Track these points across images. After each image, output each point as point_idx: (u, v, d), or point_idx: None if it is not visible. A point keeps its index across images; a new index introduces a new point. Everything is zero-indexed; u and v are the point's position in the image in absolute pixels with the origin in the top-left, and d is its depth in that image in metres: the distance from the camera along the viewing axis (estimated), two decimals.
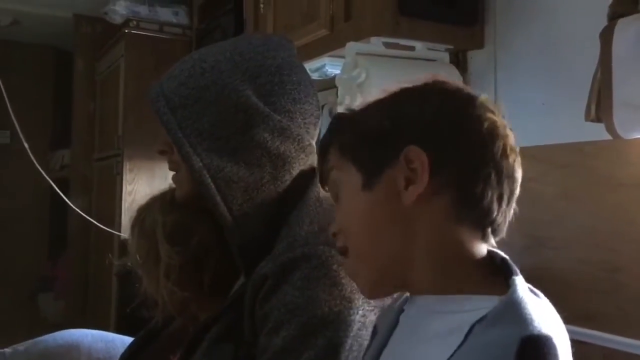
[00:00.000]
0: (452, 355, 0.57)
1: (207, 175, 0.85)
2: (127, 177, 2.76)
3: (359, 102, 1.61)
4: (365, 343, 0.77)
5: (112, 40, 2.98)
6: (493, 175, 0.63)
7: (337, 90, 1.66)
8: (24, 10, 3.33)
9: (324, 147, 0.73)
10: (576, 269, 1.30)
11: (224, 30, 2.55)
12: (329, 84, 2.01)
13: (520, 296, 0.58)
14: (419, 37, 1.63)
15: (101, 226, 2.71)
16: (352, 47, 1.57)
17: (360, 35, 1.61)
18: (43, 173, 2.73)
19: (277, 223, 0.87)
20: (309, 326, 0.78)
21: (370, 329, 0.78)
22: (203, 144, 0.86)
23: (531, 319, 0.56)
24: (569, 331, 0.61)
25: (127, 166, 2.77)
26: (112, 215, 2.89)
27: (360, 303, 0.79)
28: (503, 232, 0.66)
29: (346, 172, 0.69)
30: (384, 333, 0.71)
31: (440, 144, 0.63)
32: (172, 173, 0.96)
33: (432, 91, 0.67)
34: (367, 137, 0.68)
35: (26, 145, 2.59)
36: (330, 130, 0.73)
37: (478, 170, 0.63)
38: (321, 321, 0.78)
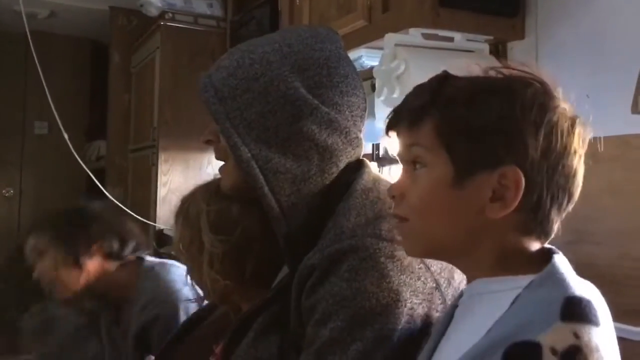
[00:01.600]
0: (496, 323, 0.61)
1: (255, 166, 0.85)
2: (162, 168, 2.80)
3: (397, 94, 1.61)
4: (414, 336, 0.77)
5: (147, 32, 3.01)
6: (565, 200, 0.66)
7: (374, 81, 1.65)
8: (61, 3, 3.39)
9: (417, 112, 0.68)
10: (618, 264, 1.27)
11: (258, 22, 2.55)
12: (365, 75, 2.01)
13: (562, 266, 0.63)
14: (458, 28, 1.61)
15: (137, 216, 2.75)
16: (391, 38, 1.56)
17: (398, 27, 1.60)
18: (81, 163, 2.78)
19: (324, 215, 0.87)
20: (357, 318, 0.77)
21: (418, 322, 0.78)
22: (251, 134, 0.86)
23: (574, 284, 0.61)
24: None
25: (162, 157, 2.80)
26: (147, 205, 2.93)
27: (408, 296, 0.79)
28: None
29: (435, 157, 0.66)
30: (439, 329, 0.72)
31: (538, 167, 0.63)
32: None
33: (544, 103, 0.64)
34: (472, 133, 0.64)
35: (65, 135, 2.64)
36: (433, 94, 0.67)
37: (557, 194, 0.65)
38: (369, 313, 0.78)
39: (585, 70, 1.44)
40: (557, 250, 0.68)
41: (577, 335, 0.56)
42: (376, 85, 1.63)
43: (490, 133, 0.63)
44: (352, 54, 1.89)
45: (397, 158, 0.72)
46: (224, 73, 0.89)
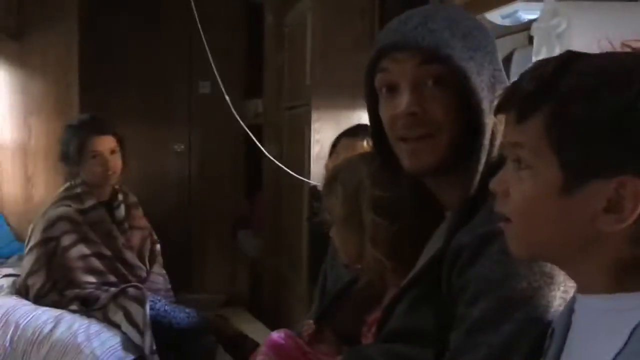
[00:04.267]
0: (616, 356, 0.56)
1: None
2: (314, 126, 2.90)
3: (557, 53, 1.52)
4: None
5: None
6: None
7: (530, 32, 1.57)
8: None
9: (527, 103, 0.61)
10: None
11: None
12: (521, 28, 1.91)
13: None
14: None
15: (291, 172, 2.90)
16: None
17: None
18: (241, 122, 2.97)
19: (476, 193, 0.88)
20: (508, 300, 0.78)
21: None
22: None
23: None
24: None
25: (314, 116, 2.89)
26: (302, 161, 3.06)
27: (562, 279, 0.78)
28: None
29: (542, 160, 0.60)
30: (560, 334, 0.70)
31: None
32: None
33: None
34: (590, 129, 0.57)
35: (227, 97, 2.83)
36: (548, 82, 0.60)
37: None
38: (520, 295, 0.78)
39: None
40: None
41: None
42: (534, 44, 1.55)
43: (609, 135, 0.56)
44: (508, 8, 1.80)
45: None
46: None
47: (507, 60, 2.22)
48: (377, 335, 1.01)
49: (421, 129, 0.91)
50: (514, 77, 2.37)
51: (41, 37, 3.26)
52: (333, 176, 1.12)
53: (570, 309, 0.70)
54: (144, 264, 2.34)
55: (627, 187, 0.56)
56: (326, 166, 1.20)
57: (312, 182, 2.79)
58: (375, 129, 1.00)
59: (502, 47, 2.30)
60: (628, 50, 0.62)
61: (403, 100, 0.90)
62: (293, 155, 3.29)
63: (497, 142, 0.90)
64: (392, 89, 0.93)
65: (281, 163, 3.26)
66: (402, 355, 0.93)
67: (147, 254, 2.39)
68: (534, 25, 1.52)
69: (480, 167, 0.88)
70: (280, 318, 3.46)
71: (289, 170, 2.92)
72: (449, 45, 0.88)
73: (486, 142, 0.89)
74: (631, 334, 0.56)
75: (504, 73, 0.95)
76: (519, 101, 0.62)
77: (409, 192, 1.02)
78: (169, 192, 4.15)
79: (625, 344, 0.56)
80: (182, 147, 4.18)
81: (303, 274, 3.02)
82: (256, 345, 2.23)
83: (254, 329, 3.14)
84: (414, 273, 0.97)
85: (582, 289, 0.66)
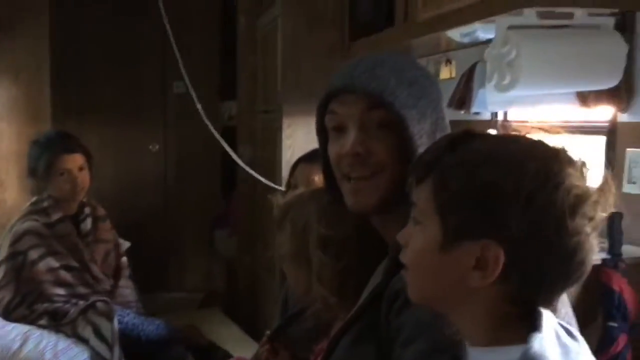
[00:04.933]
0: None
1: None
2: (286, 132, 2.92)
3: (507, 81, 1.56)
4: None
5: None
6: (563, 275, 0.67)
7: (486, 64, 1.61)
8: None
9: (423, 169, 0.72)
10: None
11: None
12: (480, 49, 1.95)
13: (535, 351, 0.64)
14: (578, 2, 1.51)
15: (261, 179, 2.92)
16: (502, 21, 1.51)
17: (513, 4, 1.53)
18: (208, 124, 2.97)
19: None
20: (438, 343, 0.82)
21: None
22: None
23: None
24: None
25: (286, 122, 2.91)
26: (274, 164, 3.08)
27: None
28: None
29: (429, 219, 0.70)
30: None
31: (522, 246, 0.65)
32: None
33: (541, 186, 0.64)
34: (463, 204, 0.67)
35: (198, 105, 2.85)
36: (439, 156, 0.71)
37: (549, 270, 0.66)
38: (450, 339, 0.82)
39: None
40: (540, 319, 0.67)
41: None
42: (487, 70, 1.59)
43: (477, 204, 0.66)
44: (467, 28, 1.84)
45: None
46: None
47: (470, 71, 2.27)
48: None
49: (365, 168, 0.96)
50: (477, 86, 2.41)
51: (11, 40, 3.23)
52: (283, 213, 1.15)
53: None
54: (108, 277, 2.36)
55: (490, 250, 0.65)
56: (279, 196, 1.23)
57: (283, 188, 2.82)
58: (327, 165, 1.04)
59: (466, 58, 2.34)
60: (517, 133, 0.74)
61: (349, 141, 0.95)
62: (266, 158, 3.31)
63: None
64: (340, 129, 0.98)
65: (256, 165, 3.27)
66: None
67: (111, 268, 2.40)
68: (487, 51, 1.56)
69: None
70: (256, 318, 3.51)
71: (259, 177, 2.94)
72: (393, 93, 0.93)
73: None
74: None
75: (446, 121, 1.00)
76: (418, 169, 0.74)
77: (355, 230, 1.06)
78: (145, 192, 4.17)
79: None
80: (157, 147, 4.18)
81: (277, 275, 3.05)
82: (227, 354, 2.28)
83: (228, 332, 3.18)
84: (356, 308, 1.01)
85: (467, 340, 0.74)
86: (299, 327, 1.25)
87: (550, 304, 0.70)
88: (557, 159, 0.67)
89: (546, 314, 0.69)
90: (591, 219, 0.66)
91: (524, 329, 0.67)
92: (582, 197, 0.65)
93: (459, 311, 0.72)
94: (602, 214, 0.67)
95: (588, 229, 0.66)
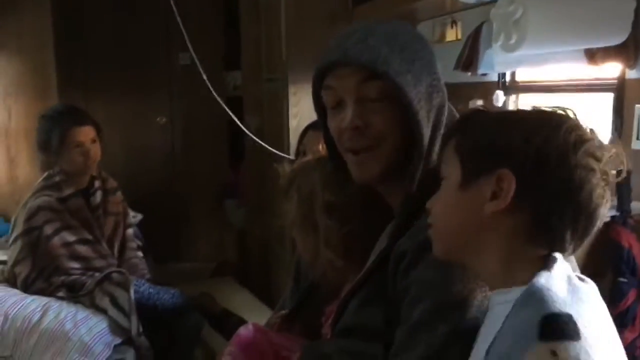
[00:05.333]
0: (492, 340, 0.71)
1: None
2: (292, 100, 2.91)
3: (514, 40, 1.54)
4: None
5: None
6: (570, 212, 0.73)
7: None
8: None
9: (445, 139, 0.86)
10: None
11: None
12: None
13: (541, 284, 0.70)
14: None
15: (269, 148, 2.93)
16: None
17: None
18: (215, 94, 2.95)
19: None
20: (444, 302, 0.85)
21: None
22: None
23: (552, 300, 0.67)
24: None
25: (291, 90, 2.91)
26: (282, 133, 3.09)
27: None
28: (570, 254, 0.76)
29: (452, 167, 0.80)
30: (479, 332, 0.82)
31: (530, 175, 0.73)
32: None
33: (543, 127, 0.75)
34: (479, 147, 0.78)
35: (204, 75, 2.83)
36: (456, 129, 0.84)
37: (556, 205, 0.73)
38: (455, 298, 0.85)
39: None
40: (551, 261, 0.73)
41: (555, 353, 0.63)
42: (493, 29, 1.58)
43: (493, 149, 0.76)
44: None
45: None
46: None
47: (476, 32, 2.25)
48: (333, 328, 1.08)
49: (365, 141, 0.97)
50: (483, 47, 2.39)
51: (15, 20, 3.23)
52: (289, 181, 1.16)
53: (485, 311, 0.82)
54: (112, 251, 2.39)
55: (503, 179, 0.74)
56: (285, 165, 1.24)
57: (291, 157, 2.83)
58: (328, 136, 1.05)
59: (472, 19, 2.32)
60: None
61: (347, 115, 0.96)
62: (273, 127, 3.31)
63: (435, 149, 0.96)
64: (338, 103, 0.98)
65: (263, 134, 3.27)
66: (355, 351, 0.99)
67: (117, 241, 2.42)
68: (493, 11, 1.55)
69: (418, 174, 0.95)
70: (268, 286, 3.56)
71: (266, 146, 2.95)
72: (386, 61, 0.92)
73: (423, 150, 0.94)
74: (503, 323, 0.70)
75: (441, 81, 1.00)
76: (444, 136, 0.89)
77: (359, 196, 1.08)
78: (153, 165, 4.18)
79: (500, 328, 0.70)
80: (165, 119, 4.18)
81: (287, 243, 3.08)
82: (241, 320, 2.32)
83: (241, 299, 3.23)
84: (364, 271, 1.03)
85: (487, 284, 0.80)
86: (312, 301, 1.27)
87: (563, 245, 0.74)
88: (566, 118, 0.76)
89: (560, 260, 0.74)
90: (597, 159, 0.72)
91: (537, 270, 0.72)
92: (584, 137, 0.73)
93: (478, 253, 0.78)
94: (612, 166, 0.73)
95: (595, 166, 0.72)
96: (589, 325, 0.66)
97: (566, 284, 0.71)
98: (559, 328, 0.65)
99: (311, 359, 1.10)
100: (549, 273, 0.71)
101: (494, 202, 0.74)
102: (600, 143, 0.74)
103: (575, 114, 0.77)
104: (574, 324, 0.65)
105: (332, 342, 1.05)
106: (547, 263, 0.73)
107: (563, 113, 0.77)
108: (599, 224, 0.75)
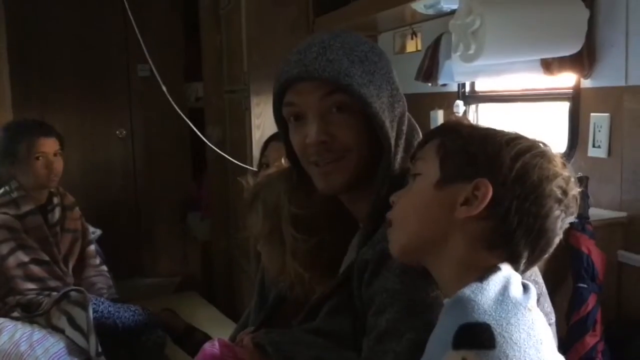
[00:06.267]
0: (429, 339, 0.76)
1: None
2: (254, 111, 2.89)
3: (472, 50, 1.57)
4: None
5: None
6: (535, 233, 0.76)
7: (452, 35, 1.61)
8: None
9: (427, 137, 0.88)
10: None
11: None
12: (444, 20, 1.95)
13: (465, 294, 0.72)
14: None
15: (231, 159, 2.90)
16: None
17: None
18: (175, 106, 2.91)
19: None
20: (409, 309, 0.84)
21: None
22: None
23: (472, 311, 0.70)
24: None
25: (254, 101, 2.89)
26: (244, 144, 3.07)
27: None
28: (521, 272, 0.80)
29: (430, 164, 0.82)
30: None
31: (507, 190, 0.76)
32: None
33: (531, 150, 0.79)
34: (464, 152, 0.81)
35: (163, 87, 2.80)
36: (441, 130, 0.87)
37: (525, 222, 0.76)
38: (420, 304, 0.84)
39: None
40: (500, 268, 0.76)
41: None
42: (452, 40, 1.59)
43: (478, 158, 0.79)
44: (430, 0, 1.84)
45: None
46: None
47: (436, 43, 2.27)
48: None
49: (332, 154, 0.96)
50: (443, 58, 2.41)
51: None
52: (253, 194, 1.15)
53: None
54: (68, 270, 2.32)
55: (481, 187, 0.76)
56: (248, 177, 1.23)
57: (254, 169, 2.81)
58: (290, 149, 1.04)
59: (431, 30, 2.35)
60: None
61: (312, 130, 0.95)
62: (236, 138, 3.28)
63: (399, 157, 0.96)
64: (300, 118, 0.97)
65: (225, 146, 3.24)
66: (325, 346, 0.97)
67: (72, 259, 2.35)
68: (451, 22, 1.56)
69: (383, 183, 0.95)
70: (233, 300, 3.51)
71: (229, 158, 2.92)
72: (348, 74, 0.92)
73: (391, 159, 0.95)
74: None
75: (400, 91, 1.00)
76: (426, 135, 0.90)
77: (324, 208, 1.07)
78: (114, 178, 4.10)
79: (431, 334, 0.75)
80: (124, 132, 4.11)
81: (252, 256, 3.06)
82: (206, 336, 2.28)
83: (206, 314, 3.18)
84: (333, 283, 1.02)
85: (444, 292, 0.81)
86: (279, 315, 1.25)
87: (517, 260, 0.78)
88: (549, 149, 0.81)
89: (505, 270, 0.76)
90: (565, 193, 0.78)
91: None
92: (559, 170, 0.78)
93: (436, 255, 0.80)
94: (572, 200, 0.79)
95: (563, 199, 0.77)
96: (511, 334, 0.68)
97: (498, 294, 0.73)
98: (472, 337, 0.68)
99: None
100: (479, 284, 0.73)
101: (465, 208, 0.77)
102: (569, 178, 0.79)
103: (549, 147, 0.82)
104: (490, 333, 0.67)
105: (303, 333, 1.02)
106: (484, 274, 0.75)
107: (544, 143, 0.81)
108: (549, 251, 0.80)
